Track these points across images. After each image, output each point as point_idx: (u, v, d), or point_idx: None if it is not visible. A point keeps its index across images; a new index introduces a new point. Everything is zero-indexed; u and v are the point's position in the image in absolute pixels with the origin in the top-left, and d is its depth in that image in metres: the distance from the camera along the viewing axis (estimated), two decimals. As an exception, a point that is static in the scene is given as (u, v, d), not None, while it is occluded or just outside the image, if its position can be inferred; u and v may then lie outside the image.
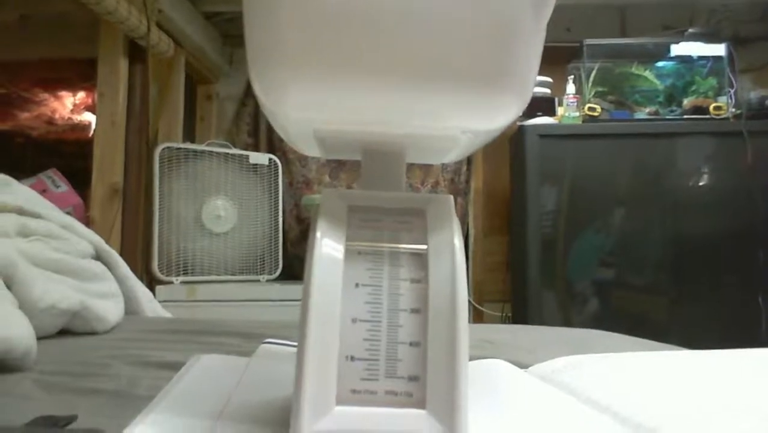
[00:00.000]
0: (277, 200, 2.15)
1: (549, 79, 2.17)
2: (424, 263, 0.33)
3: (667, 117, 2.07)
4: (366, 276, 0.32)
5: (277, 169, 2.15)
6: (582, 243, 2.03)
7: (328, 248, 0.32)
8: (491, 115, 0.34)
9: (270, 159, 2.14)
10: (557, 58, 1.87)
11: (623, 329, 0.92)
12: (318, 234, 0.32)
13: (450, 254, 0.33)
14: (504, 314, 2.33)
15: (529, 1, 0.29)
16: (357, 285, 0.32)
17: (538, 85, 2.13)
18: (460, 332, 0.31)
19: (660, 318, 2.02)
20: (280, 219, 2.15)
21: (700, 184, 2.04)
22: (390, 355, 0.31)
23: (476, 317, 2.37)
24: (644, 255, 2.01)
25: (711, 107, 2.02)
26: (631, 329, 0.97)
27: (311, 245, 0.32)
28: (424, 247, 0.33)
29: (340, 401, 0.30)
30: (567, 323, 1.97)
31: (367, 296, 0.32)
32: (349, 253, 0.33)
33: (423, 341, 0.31)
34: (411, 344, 0.31)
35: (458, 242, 0.33)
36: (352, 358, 0.31)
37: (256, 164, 2.11)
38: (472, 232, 2.42)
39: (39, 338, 0.62)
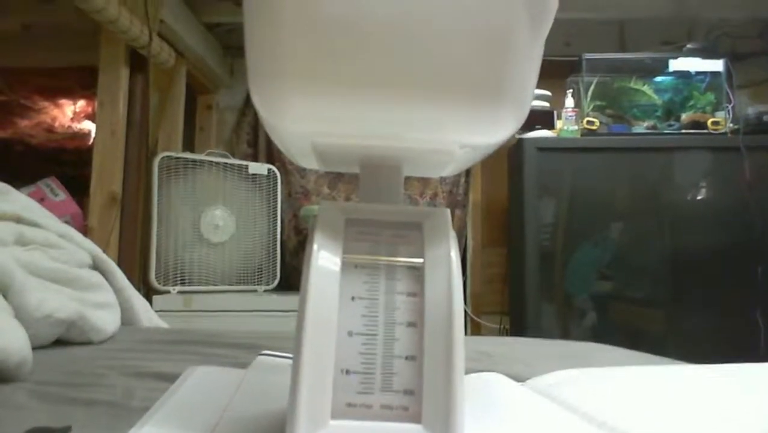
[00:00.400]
0: (276, 211, 2.15)
1: (548, 93, 2.18)
2: (420, 277, 0.33)
3: (665, 131, 2.07)
4: (362, 289, 0.32)
5: (276, 180, 2.15)
6: (580, 256, 2.03)
7: (324, 260, 0.32)
8: (489, 130, 0.34)
9: (269, 169, 2.14)
10: (556, 72, 1.88)
11: (621, 342, 0.92)
12: (315, 246, 0.32)
13: (446, 268, 0.33)
14: (502, 326, 2.32)
15: (527, 19, 0.29)
16: (353, 298, 0.32)
17: (537, 99, 2.14)
18: (455, 346, 0.31)
19: (658, 332, 2.02)
20: (279, 229, 2.15)
21: (698, 198, 2.05)
22: (386, 369, 0.31)
23: (474, 328, 2.36)
24: (642, 269, 2.02)
25: (709, 122, 2.03)
26: (629, 342, 0.97)
27: (308, 258, 0.32)
28: (421, 261, 0.34)
29: (336, 414, 0.30)
30: (565, 335, 1.96)
31: (364, 310, 0.32)
32: (345, 266, 0.33)
33: (419, 355, 0.31)
34: (407, 357, 0.31)
35: (454, 256, 0.33)
36: (348, 371, 0.31)
37: (255, 174, 2.11)
38: (470, 244, 2.42)
39: (34, 348, 0.62)
